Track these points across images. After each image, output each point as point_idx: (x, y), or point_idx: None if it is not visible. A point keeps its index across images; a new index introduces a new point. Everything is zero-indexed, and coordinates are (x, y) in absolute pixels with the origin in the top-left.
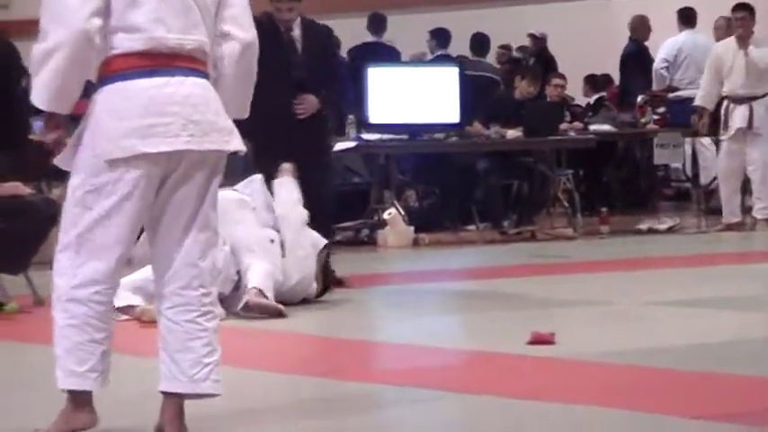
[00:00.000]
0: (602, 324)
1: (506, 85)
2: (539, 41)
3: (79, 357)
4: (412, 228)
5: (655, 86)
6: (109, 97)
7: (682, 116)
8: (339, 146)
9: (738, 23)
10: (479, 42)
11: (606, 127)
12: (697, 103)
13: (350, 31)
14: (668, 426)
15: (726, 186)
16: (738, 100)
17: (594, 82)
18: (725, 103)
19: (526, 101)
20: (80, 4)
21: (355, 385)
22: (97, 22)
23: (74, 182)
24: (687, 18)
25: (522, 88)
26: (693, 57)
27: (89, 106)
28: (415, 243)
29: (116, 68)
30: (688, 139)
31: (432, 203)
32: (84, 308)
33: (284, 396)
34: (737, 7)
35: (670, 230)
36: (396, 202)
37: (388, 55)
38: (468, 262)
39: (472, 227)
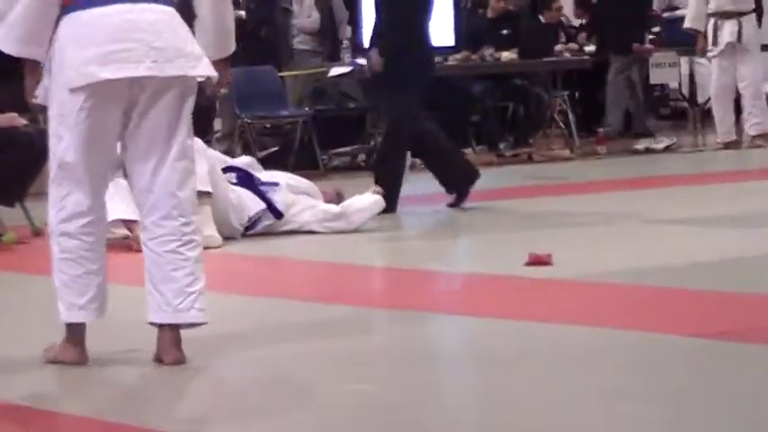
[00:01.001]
0: (599, 244)
1: (474, 7)
2: None
3: (77, 290)
4: (409, 152)
5: (656, 5)
6: (71, 25)
7: (677, 35)
8: (334, 71)
9: None
10: None
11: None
12: (687, 25)
13: None
14: (666, 344)
15: (719, 104)
16: (726, 15)
17: (585, 2)
18: (712, 20)
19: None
20: None
21: (349, 309)
22: None
23: (51, 111)
24: None
25: (493, 4)
26: None
27: (55, 35)
28: (412, 167)
29: None
30: (684, 58)
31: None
32: (77, 241)
33: (281, 321)
34: None
35: (667, 150)
36: None
37: None
38: None
39: (469, 149)
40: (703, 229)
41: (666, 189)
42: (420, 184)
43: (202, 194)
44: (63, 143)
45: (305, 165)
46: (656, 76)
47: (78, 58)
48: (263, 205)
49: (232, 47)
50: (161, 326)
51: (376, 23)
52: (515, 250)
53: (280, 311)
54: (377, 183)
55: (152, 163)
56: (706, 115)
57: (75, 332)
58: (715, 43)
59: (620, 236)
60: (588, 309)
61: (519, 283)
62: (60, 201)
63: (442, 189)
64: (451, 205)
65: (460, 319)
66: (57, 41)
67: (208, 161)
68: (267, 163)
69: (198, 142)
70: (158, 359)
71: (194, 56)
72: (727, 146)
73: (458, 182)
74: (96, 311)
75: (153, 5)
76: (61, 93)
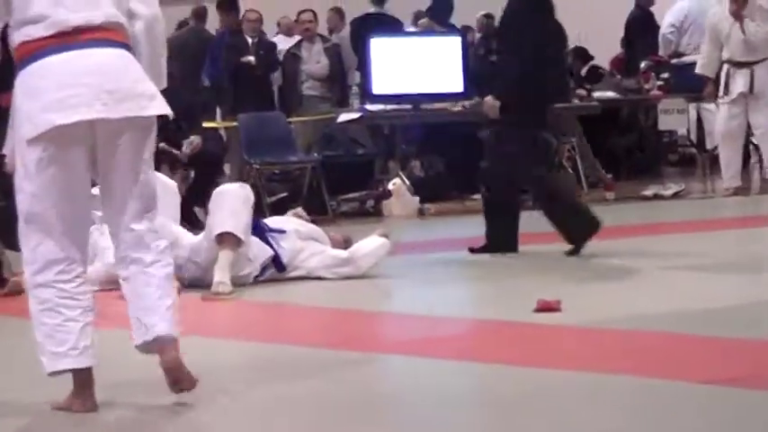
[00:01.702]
0: (608, 290)
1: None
2: None
3: (58, 339)
4: (417, 198)
5: (662, 52)
6: (25, 80)
7: (686, 82)
8: (343, 117)
9: (732, 2)
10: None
11: (610, 93)
12: (699, 71)
13: (352, 3)
14: (676, 391)
15: (726, 149)
16: (739, 65)
17: (581, 54)
18: (725, 67)
19: None
20: None
21: (362, 355)
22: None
23: (16, 169)
24: None
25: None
26: (699, 22)
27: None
28: (420, 213)
29: (26, 52)
30: (692, 105)
31: (436, 173)
32: (52, 290)
33: (290, 366)
34: None
35: (675, 196)
36: (400, 173)
37: (390, 25)
38: (473, 231)
39: (477, 196)
40: (712, 274)
41: (675, 235)
42: (431, 229)
43: (233, 240)
44: (27, 196)
45: (313, 210)
46: (664, 123)
47: (32, 109)
48: (271, 252)
49: (164, 82)
50: (153, 347)
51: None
52: (524, 296)
53: (288, 357)
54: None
55: (117, 202)
56: (714, 161)
57: (79, 381)
58: (727, 92)
59: (628, 281)
60: (596, 354)
61: (527, 329)
62: (32, 253)
63: (452, 234)
64: (570, 253)
65: (467, 365)
66: (14, 99)
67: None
68: (276, 209)
69: (245, 190)
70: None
71: (147, 96)
72: (736, 191)
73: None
74: (79, 358)
75: (101, 49)
76: (21, 147)
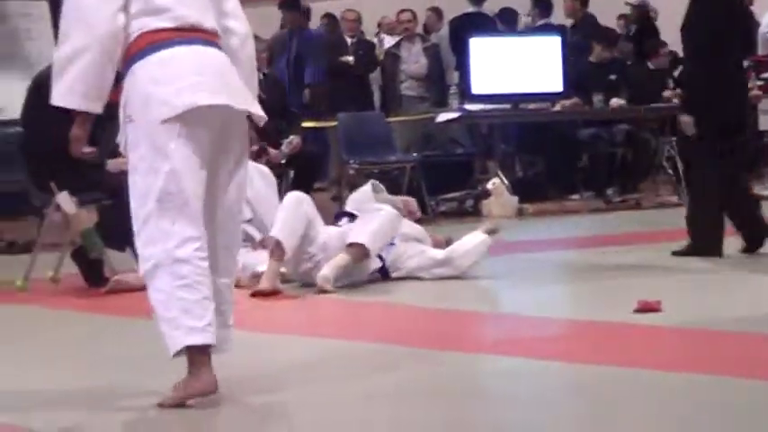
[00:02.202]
0: (709, 291)
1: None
2: (638, 9)
3: (197, 314)
4: (516, 198)
5: (761, 51)
6: (148, 68)
7: None
8: (442, 116)
9: None
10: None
11: None
12: None
13: (450, 2)
14: None
15: None
16: None
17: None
18: None
19: (627, 67)
20: (102, 2)
21: (459, 355)
22: (122, 18)
23: (134, 157)
24: None
25: (598, 52)
26: None
27: (126, 84)
28: (520, 213)
29: (147, 43)
30: None
31: (535, 173)
32: (190, 266)
33: (384, 366)
34: None
35: None
36: (499, 172)
37: (488, 25)
38: (572, 231)
39: (576, 196)
40: None
41: None
42: (530, 230)
43: (361, 252)
44: (161, 175)
45: None
46: (765, 123)
47: (166, 92)
48: (379, 264)
49: (256, 96)
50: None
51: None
52: (625, 297)
53: (389, 355)
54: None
55: (220, 191)
56: None
57: (200, 360)
58: None
59: (729, 282)
60: (697, 356)
61: (627, 329)
62: (166, 232)
63: (551, 234)
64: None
65: (566, 365)
66: (133, 88)
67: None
68: None
69: (400, 218)
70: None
71: (251, 96)
72: None
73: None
74: (214, 335)
75: (214, 49)
76: (151, 129)
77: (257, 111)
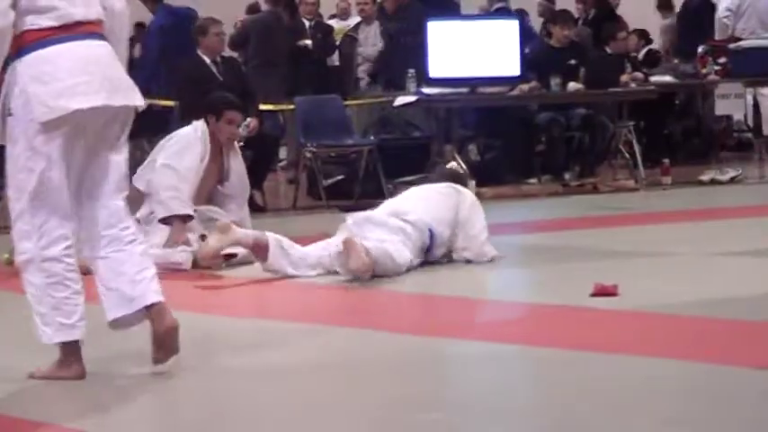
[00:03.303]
0: (665, 275)
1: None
2: None
3: (66, 311)
4: (473, 181)
5: (717, 36)
6: (31, 65)
7: (743, 66)
8: (399, 100)
9: None
10: None
11: (667, 78)
12: None
13: None
14: (733, 376)
15: None
16: None
17: (642, 36)
18: None
19: (585, 51)
20: None
21: (417, 339)
22: (12, 14)
23: (14, 150)
24: None
25: (557, 33)
26: (756, 7)
27: (7, 77)
28: (477, 196)
29: (32, 39)
30: (750, 90)
31: (493, 157)
32: (61, 264)
33: (346, 350)
34: None
35: (732, 181)
36: (457, 156)
37: (446, 8)
38: (530, 215)
39: (534, 180)
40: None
41: (732, 220)
42: (487, 213)
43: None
44: (35, 174)
45: (370, 194)
46: (721, 108)
47: (46, 93)
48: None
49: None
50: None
51: None
52: (581, 281)
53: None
54: None
55: (92, 184)
56: None
57: (71, 351)
58: None
59: (685, 267)
60: (653, 339)
61: (584, 313)
62: (39, 229)
63: (508, 219)
64: None
65: (523, 348)
66: (17, 82)
67: None
68: (332, 192)
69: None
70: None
71: (132, 87)
72: None
73: None
74: (83, 330)
75: (96, 41)
76: (29, 128)
77: (136, 102)
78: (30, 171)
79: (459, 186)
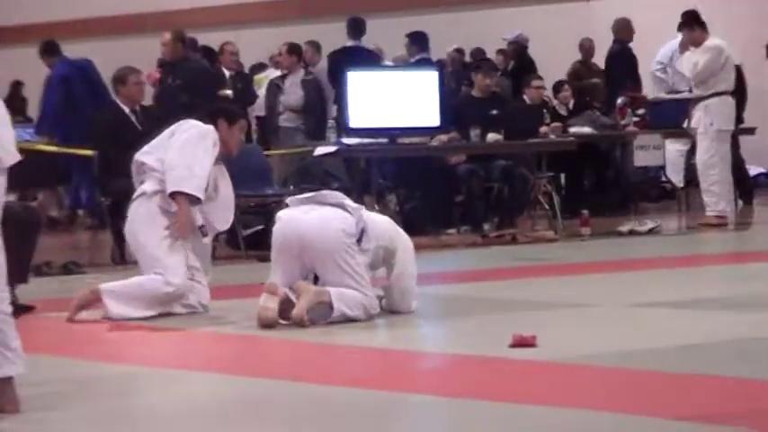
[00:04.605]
0: (584, 326)
1: (456, 86)
2: (515, 45)
3: None
4: None
5: (651, 89)
6: None
7: (661, 118)
8: (319, 150)
9: None
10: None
11: (586, 129)
12: None
13: (329, 36)
14: (650, 427)
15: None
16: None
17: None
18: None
19: (502, 102)
20: None
21: (336, 390)
22: None
23: None
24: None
25: (479, 82)
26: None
27: None
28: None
29: None
30: (668, 141)
31: (412, 207)
32: None
33: (274, 402)
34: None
35: (651, 232)
36: (376, 206)
37: (367, 59)
38: (449, 265)
39: (453, 230)
40: (687, 311)
41: (650, 271)
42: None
43: None
44: None
45: None
46: (639, 159)
47: None
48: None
49: None
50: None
51: None
52: (500, 331)
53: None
54: None
55: None
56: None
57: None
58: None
59: (604, 318)
60: (571, 390)
61: (502, 364)
62: None
63: (427, 269)
64: None
65: (441, 400)
66: None
67: None
68: (251, 242)
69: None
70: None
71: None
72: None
73: None
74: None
75: None
76: None
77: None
78: None
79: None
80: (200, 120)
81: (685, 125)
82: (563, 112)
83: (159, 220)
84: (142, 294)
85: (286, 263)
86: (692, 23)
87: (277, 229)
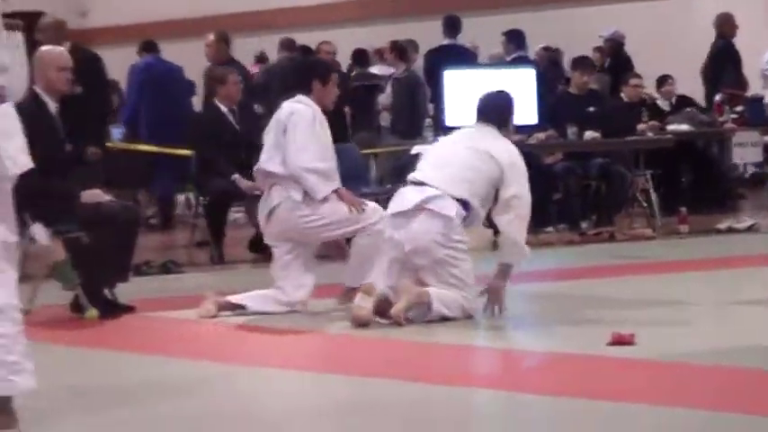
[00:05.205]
0: (682, 324)
1: (550, 85)
2: (611, 42)
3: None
4: (491, 230)
5: (763, 87)
6: None
7: (760, 115)
8: (416, 149)
9: None
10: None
11: (684, 126)
12: None
13: (426, 34)
14: (748, 425)
15: None
16: None
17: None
18: None
19: (600, 99)
20: None
21: (435, 388)
22: None
23: None
24: None
25: (577, 79)
26: None
27: None
28: (494, 246)
29: None
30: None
31: None
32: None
33: (383, 402)
34: None
35: (750, 229)
36: None
37: (463, 57)
38: (547, 264)
39: (551, 228)
40: None
41: (749, 269)
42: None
43: None
44: None
45: None
46: (738, 156)
47: None
48: None
49: None
50: None
51: None
52: (598, 329)
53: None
54: None
55: None
56: None
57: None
58: None
59: (703, 316)
60: (669, 388)
61: (601, 362)
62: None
63: (525, 267)
64: None
65: (541, 398)
66: None
67: None
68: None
69: None
70: None
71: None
72: None
73: None
74: None
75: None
76: None
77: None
78: None
79: None
80: (296, 84)
81: None
82: (666, 107)
83: None
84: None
85: (388, 265)
86: None
87: (381, 232)
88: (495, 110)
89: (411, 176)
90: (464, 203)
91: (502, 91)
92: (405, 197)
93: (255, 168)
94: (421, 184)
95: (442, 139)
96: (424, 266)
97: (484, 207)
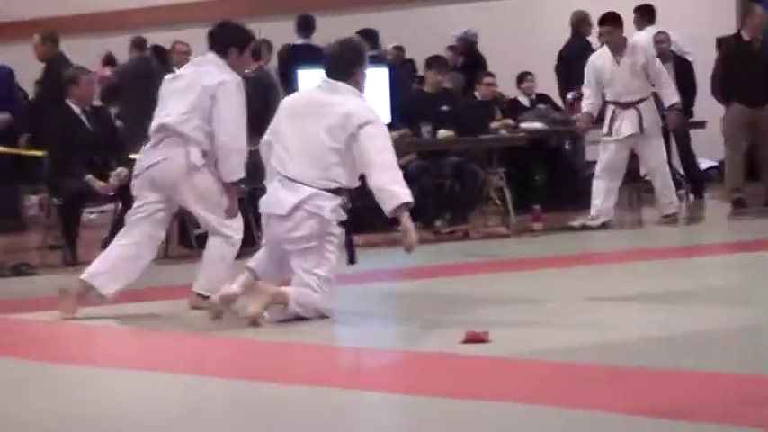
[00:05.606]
0: (536, 322)
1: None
2: (464, 41)
3: None
4: (343, 229)
5: None
6: None
7: None
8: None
9: (604, 38)
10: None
11: (537, 125)
12: (585, 110)
13: (279, 34)
14: (603, 422)
15: (604, 182)
16: (624, 105)
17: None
18: (610, 108)
19: (454, 98)
20: None
21: (287, 388)
22: None
23: None
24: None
25: (431, 78)
26: None
27: None
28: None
29: None
30: None
31: (362, 204)
32: None
33: (221, 401)
34: (601, 21)
35: (603, 227)
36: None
37: (318, 57)
38: (401, 262)
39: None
40: (638, 305)
41: (603, 266)
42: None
43: None
44: None
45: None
46: (591, 153)
47: None
48: None
49: None
50: None
51: None
52: (453, 328)
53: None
54: None
55: None
56: (644, 191)
57: None
58: (610, 132)
59: (556, 313)
60: (522, 386)
61: (454, 360)
62: None
63: (378, 266)
64: None
65: (392, 397)
66: None
67: None
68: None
69: None
70: None
71: None
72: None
73: None
74: None
75: None
76: None
77: None
78: None
79: None
80: (215, 48)
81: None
82: (526, 103)
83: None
84: None
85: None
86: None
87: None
88: (339, 62)
89: (279, 168)
90: (337, 189)
91: (345, 39)
92: (278, 197)
93: (155, 123)
94: (292, 180)
95: (290, 110)
96: (292, 252)
97: (354, 172)
